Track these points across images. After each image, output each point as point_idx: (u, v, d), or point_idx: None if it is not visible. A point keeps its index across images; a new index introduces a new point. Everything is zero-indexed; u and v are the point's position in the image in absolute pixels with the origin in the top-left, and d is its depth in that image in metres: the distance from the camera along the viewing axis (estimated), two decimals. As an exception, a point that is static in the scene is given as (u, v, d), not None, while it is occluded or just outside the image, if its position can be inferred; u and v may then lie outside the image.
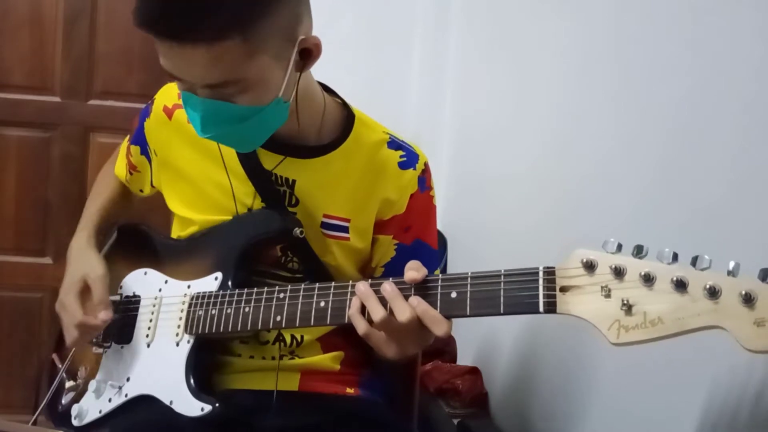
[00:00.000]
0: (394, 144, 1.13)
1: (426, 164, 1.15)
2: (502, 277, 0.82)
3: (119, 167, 1.28)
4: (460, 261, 2.08)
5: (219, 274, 1.08)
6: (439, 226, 1.20)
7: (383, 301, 0.89)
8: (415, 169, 1.12)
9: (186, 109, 0.99)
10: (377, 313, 0.88)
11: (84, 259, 1.15)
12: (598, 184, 1.35)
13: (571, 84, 1.49)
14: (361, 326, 0.90)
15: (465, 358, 1.93)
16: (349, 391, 1.15)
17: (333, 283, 0.95)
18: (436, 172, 2.20)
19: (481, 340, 1.89)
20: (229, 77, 0.91)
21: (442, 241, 2.07)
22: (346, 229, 1.10)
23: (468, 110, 2.18)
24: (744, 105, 0.97)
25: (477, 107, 2.11)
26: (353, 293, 0.92)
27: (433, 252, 1.17)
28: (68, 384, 1.18)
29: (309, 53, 0.98)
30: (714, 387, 0.99)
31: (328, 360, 1.14)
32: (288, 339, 1.12)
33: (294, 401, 1.09)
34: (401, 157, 1.12)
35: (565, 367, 1.42)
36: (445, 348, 1.92)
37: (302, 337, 1.12)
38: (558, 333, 1.44)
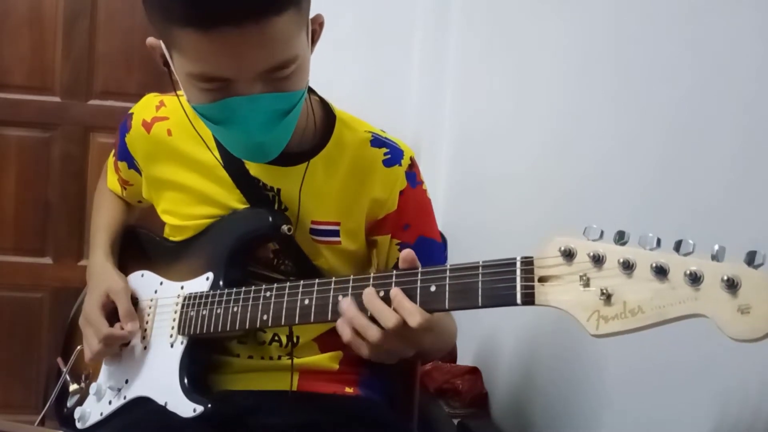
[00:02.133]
0: (378, 142, 1.12)
1: (412, 158, 1.13)
2: (480, 268, 0.80)
3: (112, 182, 1.28)
4: (460, 261, 2.07)
5: (210, 274, 1.08)
6: (439, 226, 1.20)
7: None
8: (400, 165, 1.11)
9: (226, 124, 0.94)
10: (373, 334, 0.85)
11: (104, 275, 1.16)
12: (598, 184, 1.35)
13: (571, 84, 1.49)
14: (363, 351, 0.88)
15: (465, 358, 1.93)
16: (349, 390, 1.15)
17: (317, 280, 0.94)
18: (436, 172, 2.25)
19: (481, 340, 1.89)
20: (289, 55, 0.89)
21: (442, 240, 2.06)
22: (336, 233, 1.10)
23: (468, 110, 2.18)
24: (744, 105, 0.97)
25: (477, 107, 2.11)
26: (336, 289, 0.90)
27: (439, 245, 1.17)
28: (72, 387, 1.19)
29: (313, 34, 0.98)
30: (719, 391, 0.99)
31: (326, 360, 1.14)
32: (284, 340, 1.12)
33: (293, 401, 1.09)
34: (385, 154, 1.10)
35: (566, 368, 1.42)
36: (445, 348, 1.92)
37: (298, 338, 1.12)
38: (558, 333, 1.44)
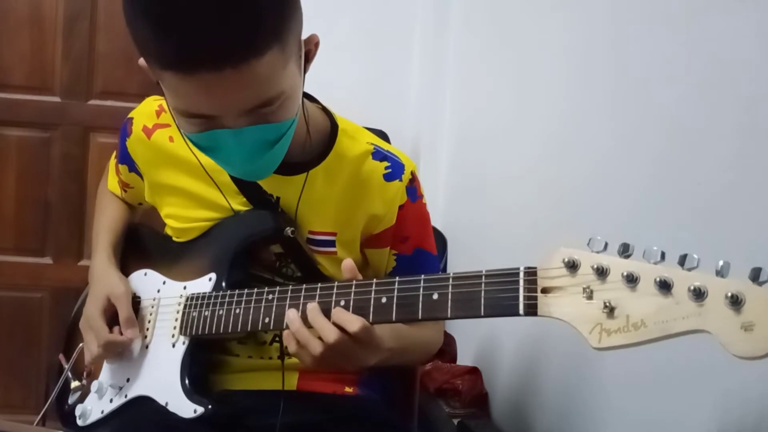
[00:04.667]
0: (379, 155, 1.10)
1: (413, 172, 1.13)
2: (483, 278, 0.79)
3: (112, 184, 1.28)
4: (460, 261, 2.08)
5: (213, 275, 1.08)
6: (439, 226, 1.21)
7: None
8: (401, 180, 1.10)
9: (213, 152, 0.94)
10: (315, 348, 0.89)
11: (106, 278, 1.15)
12: (597, 184, 1.35)
13: (571, 84, 1.49)
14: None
15: (465, 358, 1.93)
16: (348, 390, 1.15)
17: (319, 285, 0.94)
18: (435, 172, 2.25)
19: (481, 340, 1.89)
20: (272, 92, 0.88)
21: (442, 240, 2.06)
22: (332, 243, 1.10)
23: (468, 110, 2.18)
24: (744, 105, 0.97)
25: (477, 107, 2.11)
26: (338, 294, 0.91)
27: (434, 257, 1.17)
28: (74, 384, 1.19)
29: (308, 54, 0.97)
30: (718, 391, 0.99)
31: None
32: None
33: (292, 401, 1.09)
34: (386, 168, 1.10)
35: (566, 367, 1.42)
36: (445, 348, 1.93)
37: None
38: (559, 333, 1.44)
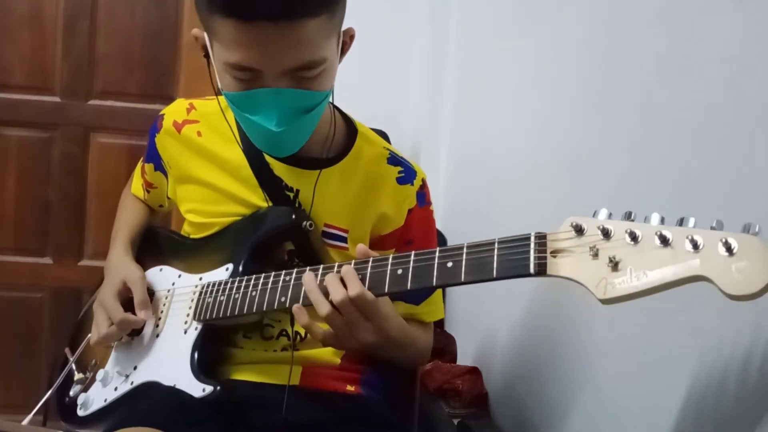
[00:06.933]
0: (394, 160, 1.18)
1: (424, 180, 1.20)
2: (496, 244, 0.84)
3: (136, 187, 1.34)
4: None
5: (230, 265, 1.11)
6: (439, 227, 1.22)
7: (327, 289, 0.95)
8: (412, 184, 1.17)
9: (251, 111, 0.99)
10: (322, 308, 0.94)
11: (122, 265, 1.20)
12: (599, 184, 1.35)
13: (571, 84, 1.50)
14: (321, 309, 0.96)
15: (465, 358, 1.93)
16: (350, 388, 1.16)
17: (336, 263, 0.98)
18: (435, 173, 2.24)
19: (481, 340, 1.89)
20: (316, 56, 0.96)
21: (442, 240, 2.07)
22: (344, 239, 1.14)
23: (468, 110, 2.18)
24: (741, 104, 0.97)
25: (477, 107, 2.11)
26: (356, 270, 0.95)
27: None
28: (77, 376, 1.20)
29: (343, 46, 1.04)
30: (717, 391, 0.99)
31: (328, 353, 1.15)
32: (291, 335, 1.13)
33: (295, 397, 1.10)
34: (400, 172, 1.17)
35: (566, 368, 1.42)
36: (445, 348, 1.93)
37: (306, 333, 1.13)
38: (558, 333, 1.45)
